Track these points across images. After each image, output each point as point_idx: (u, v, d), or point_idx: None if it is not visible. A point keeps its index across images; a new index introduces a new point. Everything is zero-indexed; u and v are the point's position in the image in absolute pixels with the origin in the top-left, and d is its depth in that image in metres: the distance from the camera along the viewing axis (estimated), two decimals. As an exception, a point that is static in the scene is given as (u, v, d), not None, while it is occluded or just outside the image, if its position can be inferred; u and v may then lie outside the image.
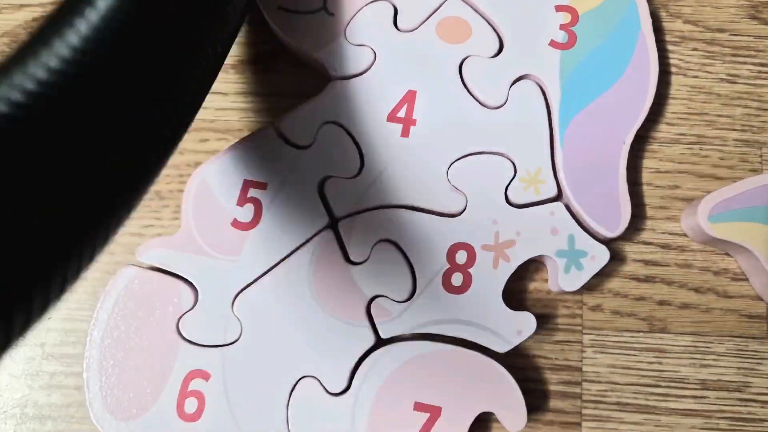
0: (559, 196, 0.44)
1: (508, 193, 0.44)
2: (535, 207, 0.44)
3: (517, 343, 0.42)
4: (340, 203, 0.44)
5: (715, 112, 0.50)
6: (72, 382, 0.46)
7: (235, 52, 0.50)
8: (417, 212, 0.44)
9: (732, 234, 0.44)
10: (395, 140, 0.45)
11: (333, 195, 0.44)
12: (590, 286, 0.46)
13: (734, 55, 0.51)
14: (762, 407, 0.46)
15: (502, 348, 0.42)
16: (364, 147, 0.45)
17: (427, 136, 0.45)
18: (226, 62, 0.46)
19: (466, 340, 0.43)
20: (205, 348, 0.42)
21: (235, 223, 0.44)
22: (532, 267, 0.46)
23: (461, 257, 0.43)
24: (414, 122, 0.45)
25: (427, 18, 0.46)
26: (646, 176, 0.49)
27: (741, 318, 0.47)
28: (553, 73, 0.46)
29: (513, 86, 0.46)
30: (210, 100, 0.48)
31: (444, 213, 0.44)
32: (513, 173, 0.44)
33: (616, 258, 0.47)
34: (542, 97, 0.45)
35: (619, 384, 0.45)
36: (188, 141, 0.49)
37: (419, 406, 0.42)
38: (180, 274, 0.43)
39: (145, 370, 0.42)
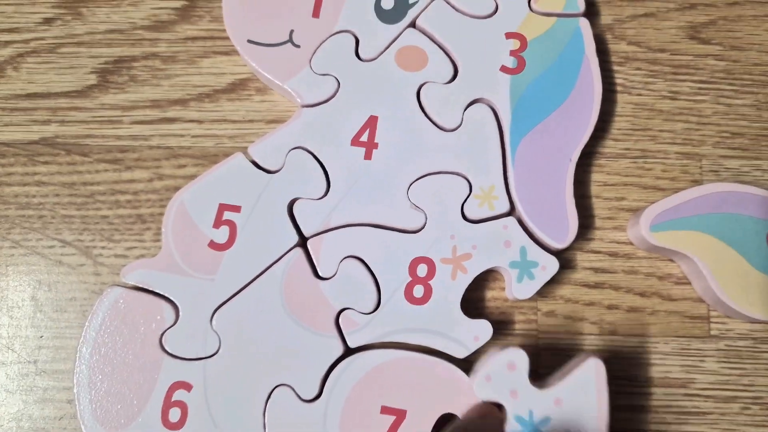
0: (511, 211, 0.47)
1: (465, 209, 0.47)
2: (489, 222, 0.46)
3: (474, 349, 0.45)
4: (309, 223, 0.46)
5: (658, 127, 0.52)
6: (64, 396, 0.48)
7: (209, 83, 0.52)
8: (380, 230, 0.46)
9: (673, 242, 0.47)
10: (359, 163, 0.47)
11: (302, 215, 0.47)
12: (544, 293, 0.49)
13: (675, 73, 0.53)
14: (705, 401, 0.48)
15: (461, 354, 0.45)
16: (330, 170, 0.47)
17: (388, 158, 0.47)
18: (201, 92, 0.52)
19: (428, 347, 0.45)
20: (187, 361, 0.45)
21: (212, 244, 0.46)
22: (489, 276, 0.48)
23: (422, 270, 0.46)
24: (376, 146, 0.47)
25: (387, 48, 0.49)
26: (594, 189, 0.51)
27: (684, 319, 0.49)
28: (504, 96, 0.48)
29: (467, 109, 0.48)
30: (187, 128, 0.52)
31: (405, 230, 0.47)
32: (468, 191, 0.47)
33: (568, 266, 0.49)
34: (494, 119, 0.48)
35: (573, 384, 0.47)
36: (167, 167, 0.51)
37: (386, 410, 0.44)
38: (162, 293, 0.45)
39: (131, 383, 0.44)
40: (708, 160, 0.51)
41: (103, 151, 0.51)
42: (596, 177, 0.51)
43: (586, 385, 0.43)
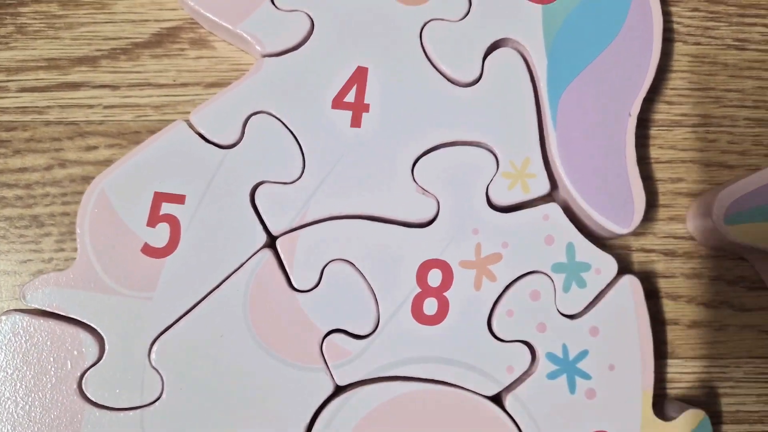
0: (552, 191, 0.47)
1: (490, 192, 0.46)
2: (524, 210, 0.46)
3: (508, 383, 0.44)
4: (279, 215, 0.45)
5: (722, 85, 0.52)
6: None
7: (125, 33, 0.51)
8: (376, 223, 0.45)
9: (755, 237, 0.46)
10: (344, 132, 0.46)
11: (269, 205, 0.45)
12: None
13: (741, 16, 0.53)
14: None
15: (490, 390, 0.45)
16: (305, 142, 0.46)
17: (384, 124, 0.46)
18: (114, 46, 0.51)
19: (446, 383, 0.45)
20: (118, 412, 0.43)
21: (147, 249, 0.44)
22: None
23: (434, 278, 0.45)
24: (366, 108, 0.46)
25: (375, -29, 0.47)
26: (643, 168, 0.50)
27: (760, 335, 0.50)
28: (535, 34, 0.47)
29: (488, 55, 0.47)
30: (97, 96, 0.50)
31: (411, 222, 0.46)
32: (495, 168, 0.46)
33: (612, 269, 0.49)
34: (525, 67, 0.47)
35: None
36: (71, 150, 0.50)
37: None
38: (80, 319, 0.44)
39: None
40: (786, 127, 0.51)
41: (-20, 130, 0.50)
42: (645, 152, 0.51)
43: (623, 308, 0.46)
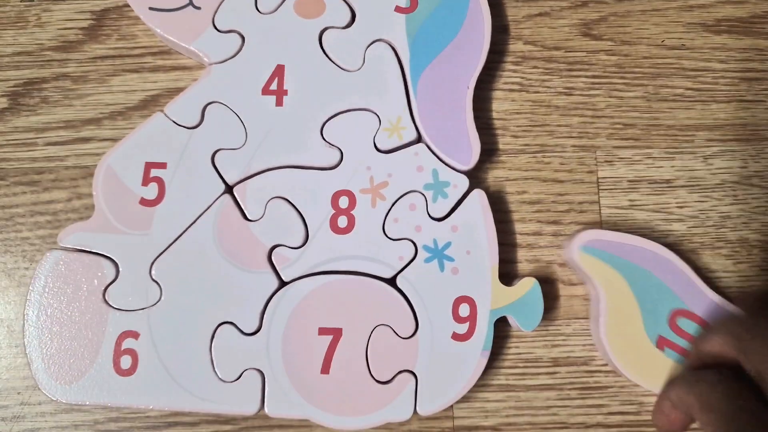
0: (419, 140, 0.56)
1: (376, 141, 0.56)
2: (400, 150, 0.56)
3: (400, 268, 0.54)
4: (232, 171, 0.55)
5: (555, 122, 0.61)
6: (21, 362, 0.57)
7: (120, 101, 0.60)
8: (300, 170, 0.55)
9: (593, 269, 0.55)
10: (271, 110, 0.56)
11: (224, 165, 0.55)
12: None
13: (570, 70, 0.62)
14: (606, 376, 0.57)
15: (388, 273, 0.55)
16: (246, 120, 0.56)
17: (298, 102, 0.56)
18: (113, 110, 0.60)
19: (357, 272, 0.54)
20: (132, 312, 0.53)
21: (143, 201, 0.54)
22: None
23: (343, 202, 0.55)
24: (286, 92, 0.56)
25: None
26: (497, 185, 0.60)
27: (584, 302, 0.58)
28: (400, 34, 0.57)
29: (368, 50, 0.57)
30: (102, 147, 0.60)
31: (323, 167, 0.56)
32: (378, 124, 0.56)
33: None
34: (395, 57, 0.57)
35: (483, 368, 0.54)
36: (85, 186, 0.60)
37: (323, 331, 0.53)
38: (100, 252, 0.54)
39: (80, 338, 0.53)
40: (602, 151, 0.61)
41: (19, 173, 0.59)
42: (498, 173, 0.60)
43: (474, 211, 0.56)
